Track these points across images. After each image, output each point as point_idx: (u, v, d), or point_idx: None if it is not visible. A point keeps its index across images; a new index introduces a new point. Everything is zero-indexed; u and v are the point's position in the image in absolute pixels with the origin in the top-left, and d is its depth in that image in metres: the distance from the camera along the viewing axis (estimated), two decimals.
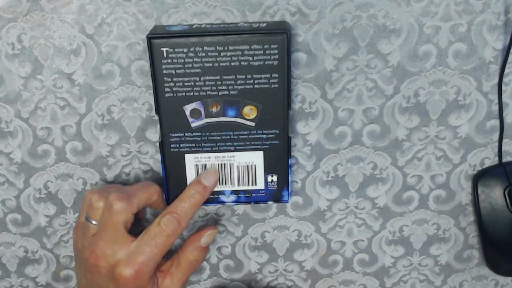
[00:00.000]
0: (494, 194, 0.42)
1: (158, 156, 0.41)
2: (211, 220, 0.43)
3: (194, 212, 0.37)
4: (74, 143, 0.41)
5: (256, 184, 0.39)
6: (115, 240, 0.36)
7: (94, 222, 0.36)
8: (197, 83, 0.36)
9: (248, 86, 0.36)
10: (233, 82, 0.36)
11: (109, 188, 0.38)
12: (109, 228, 0.35)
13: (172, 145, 0.38)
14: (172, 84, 0.36)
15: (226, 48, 0.35)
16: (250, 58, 0.35)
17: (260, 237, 0.44)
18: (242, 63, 0.35)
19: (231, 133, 0.37)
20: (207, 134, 0.37)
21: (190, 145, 0.38)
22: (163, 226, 0.36)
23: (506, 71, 0.39)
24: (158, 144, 0.40)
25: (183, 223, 0.36)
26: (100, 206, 0.36)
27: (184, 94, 0.36)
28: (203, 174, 0.38)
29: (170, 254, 0.39)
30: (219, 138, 0.37)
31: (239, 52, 0.35)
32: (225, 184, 0.39)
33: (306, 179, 0.42)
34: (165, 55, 0.35)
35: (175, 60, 0.35)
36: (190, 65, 0.35)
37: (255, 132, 0.37)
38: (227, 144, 0.38)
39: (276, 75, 0.36)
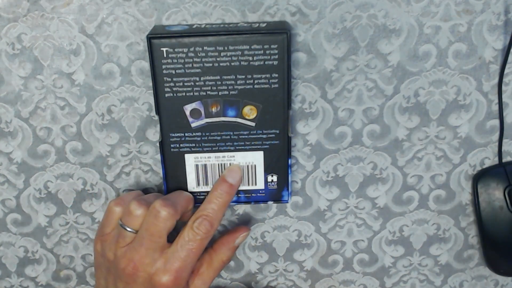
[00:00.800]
0: (494, 194, 0.42)
1: (158, 156, 0.41)
2: None
3: (224, 211, 0.37)
4: (74, 143, 0.41)
5: (256, 184, 0.39)
6: (155, 248, 0.35)
7: (130, 230, 0.36)
8: (197, 83, 0.36)
9: (248, 86, 0.36)
10: (233, 82, 0.36)
11: (140, 196, 0.38)
12: (154, 235, 0.35)
13: (172, 145, 0.38)
14: (172, 84, 0.36)
15: (226, 48, 0.35)
16: (250, 58, 0.35)
17: (260, 237, 0.44)
18: (242, 63, 0.35)
19: (231, 133, 0.37)
20: (207, 134, 0.37)
21: (190, 145, 0.38)
22: (196, 230, 0.36)
23: (506, 71, 0.39)
24: (158, 144, 0.40)
25: (215, 224, 0.36)
26: (141, 214, 0.36)
27: (184, 94, 0.36)
28: (227, 172, 0.38)
29: None
30: (219, 138, 0.37)
31: (239, 52, 0.35)
32: None
33: (306, 179, 0.42)
34: (165, 55, 0.35)
35: (175, 60, 0.35)
36: (190, 65, 0.35)
37: (255, 132, 0.37)
38: (227, 144, 0.38)
39: (276, 75, 0.36)
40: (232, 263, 0.45)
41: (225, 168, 0.38)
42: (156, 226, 0.35)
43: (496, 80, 0.40)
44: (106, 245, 0.37)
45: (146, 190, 0.42)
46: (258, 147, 0.38)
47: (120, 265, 0.36)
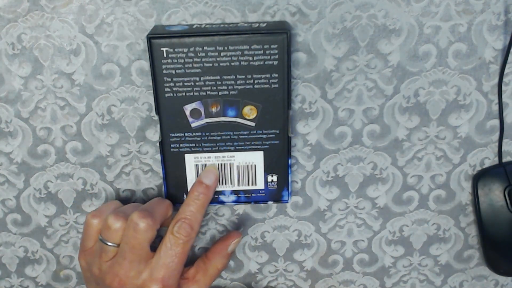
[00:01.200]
0: (494, 194, 0.42)
1: (158, 156, 0.41)
2: (211, 220, 0.43)
3: (203, 213, 0.37)
4: (74, 143, 0.41)
5: (256, 184, 0.39)
6: (139, 260, 0.35)
7: (111, 244, 0.36)
8: (197, 83, 0.36)
9: (248, 86, 0.36)
10: (233, 82, 0.36)
11: (119, 208, 0.38)
12: (135, 248, 0.35)
13: (172, 145, 0.38)
14: (172, 84, 0.36)
15: (226, 48, 0.35)
16: (250, 58, 0.35)
17: (260, 237, 0.44)
18: (242, 63, 0.35)
19: (231, 133, 0.37)
20: (207, 134, 0.37)
21: (190, 145, 0.38)
22: (177, 234, 0.36)
23: (506, 71, 0.39)
24: (158, 144, 0.40)
25: (195, 226, 0.36)
26: (119, 227, 0.36)
27: (184, 94, 0.36)
28: (203, 174, 0.38)
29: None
30: (219, 138, 0.37)
31: (239, 52, 0.35)
32: (225, 184, 0.39)
33: (306, 179, 0.42)
34: (165, 55, 0.35)
35: (175, 60, 0.35)
36: (190, 65, 0.35)
37: (255, 132, 0.37)
38: (227, 144, 0.38)
39: (276, 75, 0.36)
40: (232, 263, 0.45)
41: (225, 169, 0.38)
42: (136, 239, 0.35)
43: (496, 80, 0.40)
44: (90, 260, 0.37)
45: (146, 190, 0.42)
46: (258, 147, 0.38)
47: (106, 280, 0.36)
